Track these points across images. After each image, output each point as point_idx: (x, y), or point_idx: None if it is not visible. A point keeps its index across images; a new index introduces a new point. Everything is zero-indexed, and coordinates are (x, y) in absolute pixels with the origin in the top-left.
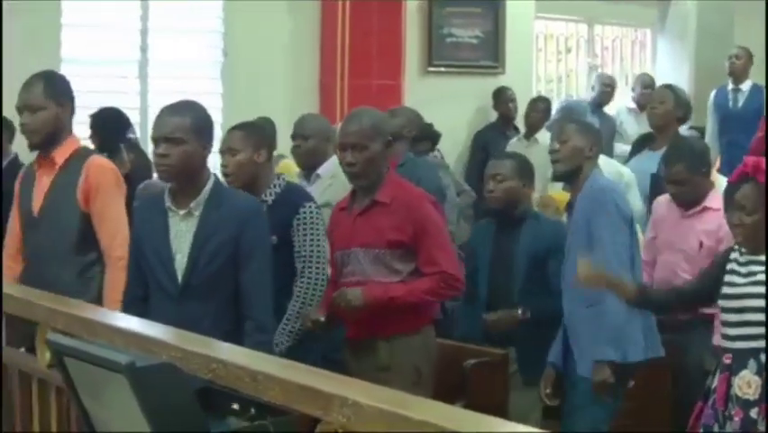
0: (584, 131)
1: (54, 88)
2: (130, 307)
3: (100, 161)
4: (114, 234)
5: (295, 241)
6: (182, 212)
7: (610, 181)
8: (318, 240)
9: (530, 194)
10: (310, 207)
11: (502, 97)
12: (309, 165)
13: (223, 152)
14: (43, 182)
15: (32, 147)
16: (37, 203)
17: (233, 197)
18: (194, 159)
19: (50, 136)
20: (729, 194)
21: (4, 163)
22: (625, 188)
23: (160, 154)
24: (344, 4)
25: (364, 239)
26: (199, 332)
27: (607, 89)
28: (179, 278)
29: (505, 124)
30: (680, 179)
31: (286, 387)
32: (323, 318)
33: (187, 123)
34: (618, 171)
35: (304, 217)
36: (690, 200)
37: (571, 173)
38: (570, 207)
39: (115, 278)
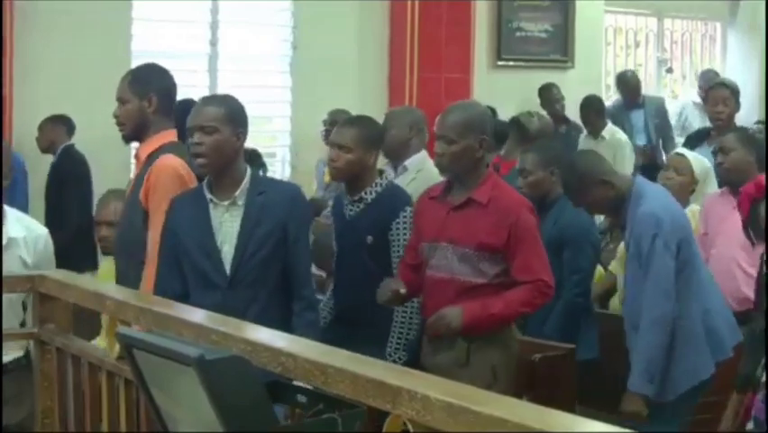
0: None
1: (139, 82)
2: None
3: (164, 161)
4: (154, 235)
5: (393, 244)
6: (225, 203)
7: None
8: None
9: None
10: (411, 211)
11: (547, 96)
12: (393, 156)
13: (333, 145)
14: (132, 179)
15: (123, 139)
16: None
17: (273, 183)
18: (226, 147)
19: (136, 129)
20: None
21: (59, 151)
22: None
23: (194, 143)
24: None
25: (455, 235)
26: (249, 320)
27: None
28: (228, 268)
29: (556, 121)
30: (727, 147)
31: (355, 380)
32: (403, 290)
33: (219, 112)
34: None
35: (404, 221)
36: (735, 180)
37: None
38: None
39: (148, 280)
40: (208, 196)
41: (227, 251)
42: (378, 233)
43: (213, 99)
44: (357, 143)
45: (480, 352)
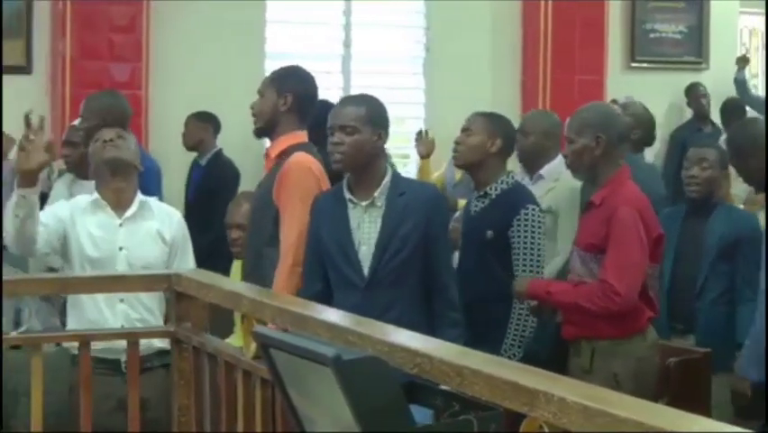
0: None
1: (280, 79)
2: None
3: (298, 158)
4: (289, 230)
5: (513, 242)
6: (364, 203)
7: None
8: (537, 243)
9: (726, 185)
10: (533, 209)
11: (694, 93)
12: (529, 162)
13: (462, 130)
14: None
15: (255, 133)
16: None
17: (414, 185)
18: (366, 148)
19: (266, 124)
20: None
21: (208, 156)
22: None
23: (334, 143)
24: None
25: (579, 238)
26: (387, 321)
27: None
28: (366, 269)
29: (700, 120)
30: None
31: (491, 382)
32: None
33: (360, 113)
34: None
35: (525, 219)
36: None
37: None
38: None
39: (279, 275)
40: (347, 195)
41: (365, 251)
42: (499, 229)
43: (354, 99)
44: (481, 128)
45: (603, 359)
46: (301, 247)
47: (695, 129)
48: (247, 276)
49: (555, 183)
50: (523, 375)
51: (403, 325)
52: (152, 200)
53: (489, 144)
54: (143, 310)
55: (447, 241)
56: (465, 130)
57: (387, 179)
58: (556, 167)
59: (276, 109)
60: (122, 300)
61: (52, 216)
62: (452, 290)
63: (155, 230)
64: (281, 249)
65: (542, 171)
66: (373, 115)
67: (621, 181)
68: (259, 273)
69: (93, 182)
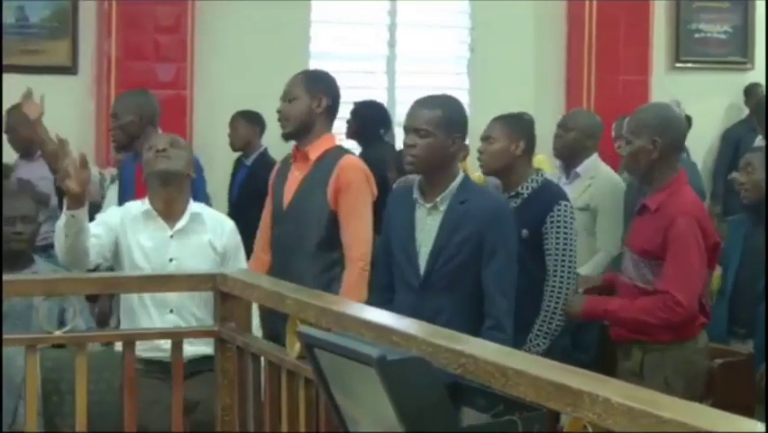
0: None
1: (312, 82)
2: (378, 294)
3: (353, 161)
4: (356, 234)
5: (546, 239)
6: (428, 205)
7: None
8: (570, 240)
9: None
10: (565, 205)
11: (754, 93)
12: (566, 158)
13: (482, 139)
14: (295, 177)
15: (284, 136)
16: (287, 197)
17: (481, 194)
18: (439, 152)
19: (301, 127)
20: None
21: (254, 156)
22: None
23: (407, 144)
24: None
25: (631, 241)
26: (438, 325)
27: None
28: (422, 270)
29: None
30: None
31: (535, 383)
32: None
33: (434, 116)
34: None
35: (558, 216)
36: None
37: None
38: None
39: (352, 279)
40: (415, 195)
41: (424, 253)
42: (534, 227)
43: (429, 101)
44: (501, 134)
45: (654, 362)
46: (369, 247)
47: (749, 129)
48: (287, 273)
49: (592, 180)
50: (567, 376)
51: (452, 329)
52: (205, 210)
53: (512, 148)
54: (194, 321)
55: (504, 255)
56: (486, 138)
57: (454, 183)
58: (592, 164)
59: (311, 111)
60: (171, 311)
61: (104, 226)
62: (500, 307)
63: (206, 241)
64: (350, 253)
65: (578, 169)
66: (448, 119)
67: (678, 187)
68: (315, 275)
69: None
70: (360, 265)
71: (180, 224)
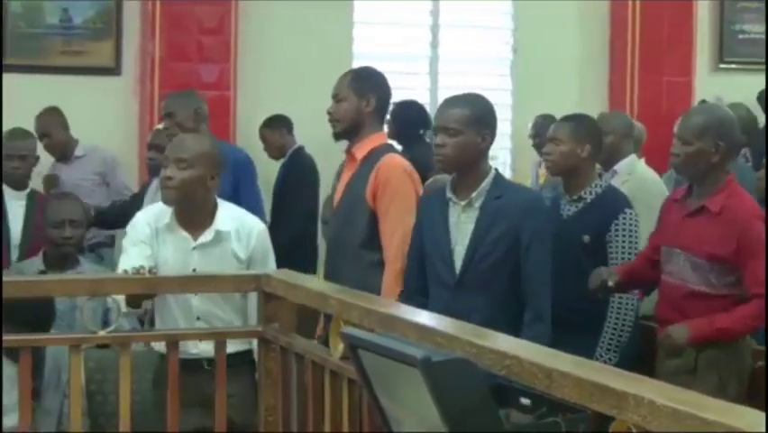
0: None
1: (359, 82)
2: (410, 300)
3: (392, 160)
4: (392, 234)
5: (611, 247)
6: (463, 203)
7: None
8: (636, 249)
9: None
10: (630, 213)
11: None
12: (605, 161)
13: (549, 140)
14: (345, 177)
15: (334, 136)
16: (338, 197)
17: (514, 189)
18: (469, 150)
19: (350, 127)
20: None
21: (288, 153)
22: None
23: (437, 144)
24: (635, 3)
25: (687, 243)
26: (473, 323)
27: None
28: (457, 268)
29: None
30: None
31: (580, 385)
32: (611, 283)
33: (464, 114)
34: None
35: (623, 224)
36: None
37: None
38: None
39: (389, 281)
40: (449, 194)
41: (459, 251)
42: (595, 233)
43: (458, 100)
44: (569, 136)
45: (709, 360)
46: (407, 248)
47: None
48: (335, 273)
49: (629, 177)
50: (612, 378)
51: (488, 327)
52: (232, 215)
53: (579, 151)
54: (222, 326)
55: (541, 247)
56: (553, 139)
57: (487, 180)
58: (630, 162)
59: (360, 111)
60: (198, 318)
61: (145, 245)
62: (540, 298)
63: (229, 251)
64: (388, 254)
65: (616, 167)
66: (477, 117)
67: (734, 189)
68: (358, 276)
69: None
70: (396, 266)
71: (204, 238)
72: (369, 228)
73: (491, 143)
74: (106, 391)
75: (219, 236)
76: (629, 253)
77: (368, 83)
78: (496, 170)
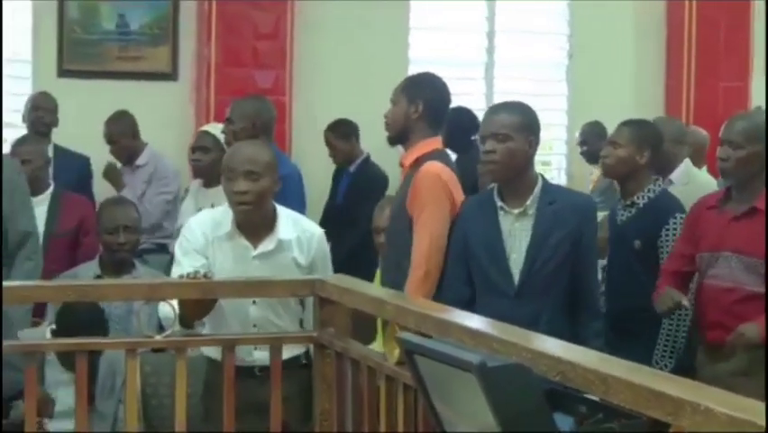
0: None
1: (412, 87)
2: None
3: (429, 167)
4: (419, 240)
5: (662, 252)
6: (516, 211)
7: None
8: None
9: None
10: (681, 217)
11: None
12: (659, 170)
13: (608, 143)
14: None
15: (388, 141)
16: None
17: (565, 193)
18: (518, 156)
19: (400, 133)
20: None
21: (357, 163)
22: None
23: (486, 151)
24: (691, 4)
25: (738, 245)
26: (535, 330)
27: None
28: (516, 277)
29: None
30: None
31: (635, 391)
32: (686, 303)
33: (513, 120)
34: None
35: (674, 229)
36: None
37: None
38: None
39: (410, 286)
40: (499, 203)
41: (515, 259)
42: (647, 238)
43: (506, 107)
44: (629, 140)
45: (762, 361)
46: (433, 256)
47: None
48: (389, 280)
49: (685, 187)
50: (668, 384)
51: (552, 334)
52: (292, 221)
53: (637, 156)
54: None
55: (595, 250)
56: (612, 143)
57: (538, 186)
58: (685, 170)
59: (408, 117)
60: (254, 325)
61: (198, 254)
62: (597, 299)
63: (290, 259)
64: (413, 258)
65: (671, 177)
66: (526, 123)
67: None
68: (399, 287)
69: (217, 190)
70: (419, 273)
71: (264, 247)
72: (410, 237)
73: (536, 151)
74: (161, 394)
75: (281, 245)
76: None
77: (419, 88)
78: (542, 175)
